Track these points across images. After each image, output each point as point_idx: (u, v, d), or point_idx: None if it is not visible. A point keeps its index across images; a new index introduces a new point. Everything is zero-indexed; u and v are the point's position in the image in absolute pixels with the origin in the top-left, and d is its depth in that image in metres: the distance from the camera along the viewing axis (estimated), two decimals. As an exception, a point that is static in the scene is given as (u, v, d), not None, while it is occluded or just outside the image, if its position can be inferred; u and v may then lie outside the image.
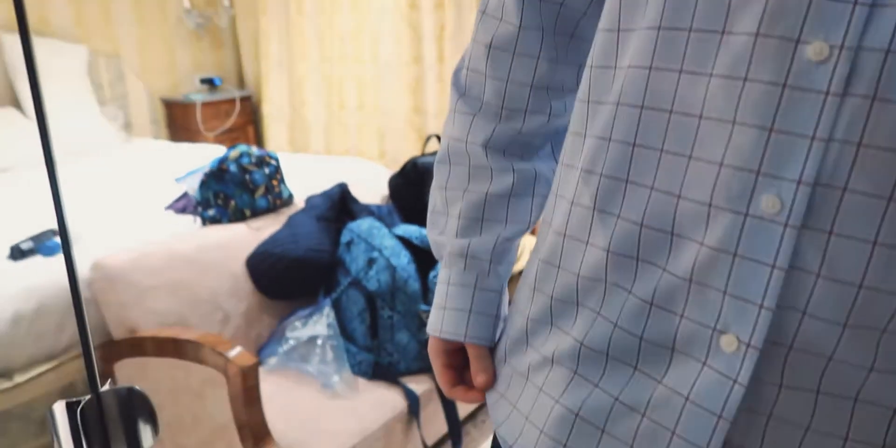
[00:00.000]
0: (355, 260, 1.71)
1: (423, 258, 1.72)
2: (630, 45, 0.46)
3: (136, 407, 0.42)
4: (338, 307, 1.71)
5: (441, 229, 0.66)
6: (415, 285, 1.64)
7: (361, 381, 1.62)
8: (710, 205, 0.41)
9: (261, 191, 1.86)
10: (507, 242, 0.64)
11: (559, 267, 0.52)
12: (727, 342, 0.41)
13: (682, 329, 0.44)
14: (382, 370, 1.64)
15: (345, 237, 1.79)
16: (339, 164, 2.54)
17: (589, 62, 0.51)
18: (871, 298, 0.38)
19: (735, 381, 0.41)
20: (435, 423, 1.69)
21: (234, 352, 1.36)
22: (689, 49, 0.42)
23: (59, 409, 0.40)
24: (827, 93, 0.37)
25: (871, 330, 0.38)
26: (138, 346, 1.46)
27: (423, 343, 1.64)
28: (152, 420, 0.43)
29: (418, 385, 1.63)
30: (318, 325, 1.67)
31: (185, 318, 1.56)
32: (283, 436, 1.39)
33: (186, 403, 1.44)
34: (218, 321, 1.63)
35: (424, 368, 1.67)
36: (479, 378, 0.62)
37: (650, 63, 0.44)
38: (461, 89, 0.65)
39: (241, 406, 1.34)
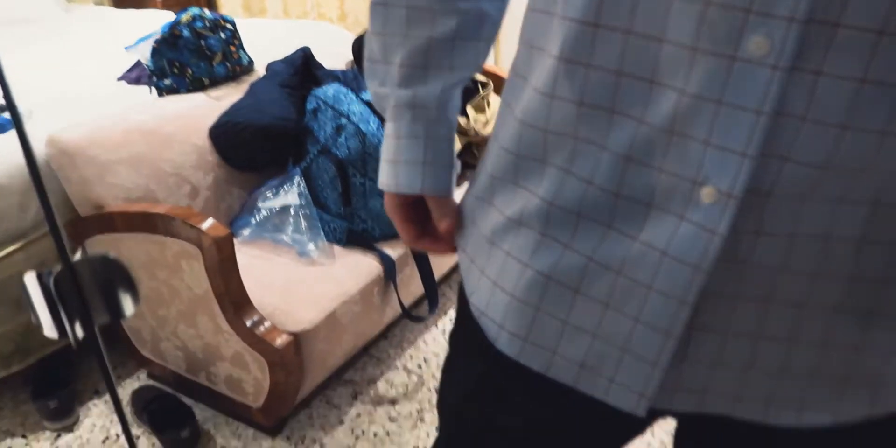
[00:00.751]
0: (323, 127, 1.66)
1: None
2: None
3: (113, 275, 0.40)
4: (308, 176, 1.68)
5: (381, 80, 0.62)
6: (386, 152, 1.61)
7: (337, 248, 1.63)
8: (693, 48, 0.38)
9: (218, 58, 1.75)
10: (454, 89, 0.61)
11: (527, 123, 0.49)
12: (707, 194, 0.40)
13: (660, 183, 0.42)
14: (357, 236, 1.65)
15: (310, 104, 1.72)
16: (299, 28, 2.39)
17: None
18: (854, 139, 0.37)
19: (714, 233, 0.41)
20: (411, 286, 1.74)
21: (207, 223, 1.34)
22: None
23: (31, 280, 0.39)
24: None
25: (851, 170, 0.38)
26: (107, 222, 1.44)
27: (397, 210, 1.65)
28: (131, 287, 0.41)
29: (393, 250, 1.65)
30: (290, 194, 1.65)
31: (152, 192, 1.52)
32: (262, 304, 1.42)
33: (163, 277, 1.45)
34: (186, 195, 1.60)
35: (398, 234, 1.68)
36: (442, 224, 0.62)
37: None
38: None
39: (218, 277, 1.34)
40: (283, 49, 1.96)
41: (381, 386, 1.66)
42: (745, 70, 0.37)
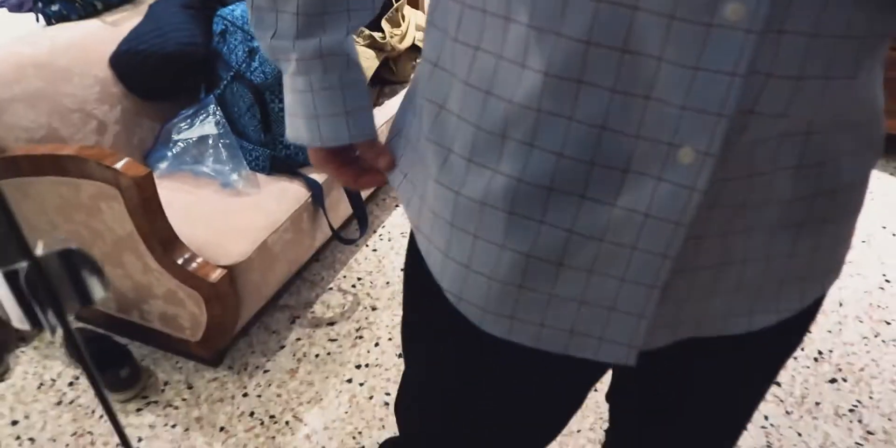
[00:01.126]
0: (233, 51, 1.58)
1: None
2: None
3: (78, 264, 0.41)
4: (223, 103, 1.62)
5: (272, 30, 0.59)
6: (302, 76, 1.55)
7: (261, 177, 1.61)
8: (671, 16, 0.38)
9: (107, -23, 1.61)
10: (355, 31, 0.59)
11: (487, 92, 0.47)
12: (685, 154, 0.42)
13: (637, 148, 0.43)
14: (280, 163, 1.63)
15: (217, 26, 1.63)
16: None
17: None
18: (807, 87, 0.41)
19: (693, 189, 0.43)
20: (339, 208, 1.74)
21: (122, 163, 1.29)
22: None
23: None
24: None
25: (801, 114, 0.43)
26: (13, 166, 1.35)
27: (319, 135, 1.62)
28: (98, 273, 0.42)
29: (319, 174, 1.64)
30: (206, 124, 1.59)
31: (56, 131, 1.43)
32: (191, 239, 1.40)
33: (80, 219, 1.40)
34: (93, 131, 1.52)
35: (323, 159, 1.67)
36: (381, 162, 0.61)
37: None
38: None
39: (142, 218, 1.31)
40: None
41: (318, 308, 1.70)
42: (721, 35, 0.38)
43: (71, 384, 1.51)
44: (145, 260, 1.39)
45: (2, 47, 1.40)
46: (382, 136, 1.79)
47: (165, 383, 1.51)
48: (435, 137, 0.53)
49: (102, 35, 1.57)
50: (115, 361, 1.48)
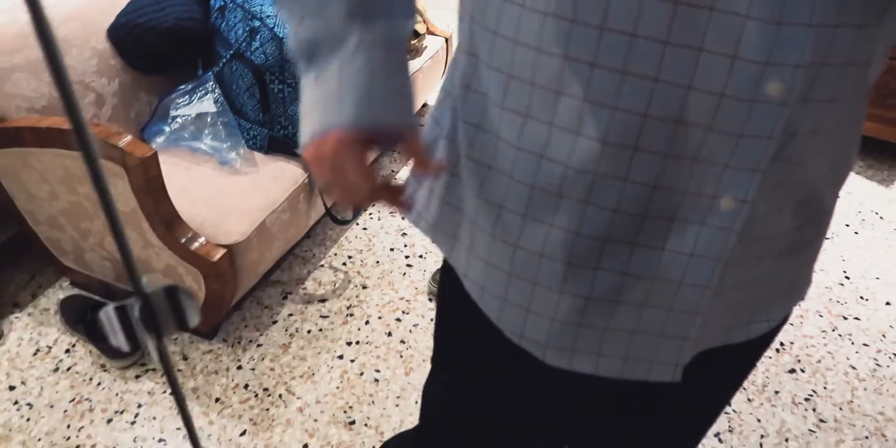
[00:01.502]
0: (233, 29, 1.59)
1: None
2: None
3: (179, 297, 0.46)
4: (221, 81, 1.62)
5: (314, 11, 0.56)
6: (303, 57, 1.57)
7: (258, 156, 1.63)
8: (721, 94, 0.45)
9: (105, -56, 1.58)
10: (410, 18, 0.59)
11: (541, 155, 0.52)
12: (725, 203, 0.49)
13: (684, 201, 0.50)
14: (278, 143, 1.65)
15: (216, 1, 1.63)
16: None
17: None
18: (825, 139, 0.50)
19: (732, 230, 0.50)
20: (333, 189, 1.78)
21: (127, 141, 1.31)
22: None
23: (110, 313, 0.43)
24: None
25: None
26: (15, 136, 1.36)
27: (317, 115, 1.64)
28: (192, 304, 0.47)
29: (316, 156, 1.67)
30: (205, 101, 1.60)
31: (56, 101, 1.43)
32: (191, 216, 1.43)
33: (84, 192, 1.42)
34: (91, 104, 1.52)
35: (319, 139, 1.69)
36: (429, 166, 0.58)
37: None
38: None
39: (146, 197, 1.34)
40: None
41: (310, 285, 1.75)
42: (762, 108, 0.45)
43: (67, 351, 1.54)
44: (146, 236, 1.42)
45: (3, 13, 1.39)
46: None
47: (160, 354, 1.55)
48: (485, 195, 0.57)
49: (101, 5, 1.56)
50: (111, 332, 1.51)
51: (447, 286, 0.70)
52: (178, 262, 1.43)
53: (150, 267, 1.49)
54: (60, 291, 1.68)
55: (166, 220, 1.37)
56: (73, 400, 1.44)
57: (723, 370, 0.71)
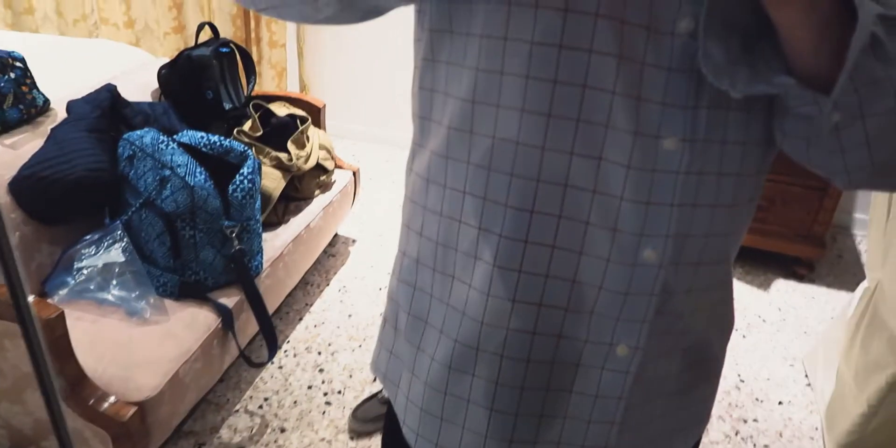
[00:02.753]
0: (142, 177, 1.61)
1: (216, 169, 1.67)
2: None
3: None
4: (130, 229, 1.62)
5: None
6: (215, 202, 1.59)
7: (168, 303, 1.60)
8: (608, 260, 0.55)
9: (9, 101, 1.60)
10: None
11: (463, 313, 0.61)
12: (621, 350, 0.59)
13: (585, 349, 0.59)
14: (189, 288, 1.63)
15: (124, 151, 1.65)
16: (88, 49, 2.20)
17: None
18: (699, 296, 0.60)
19: (628, 372, 0.59)
20: (247, 329, 1.76)
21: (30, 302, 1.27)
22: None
23: None
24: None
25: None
26: None
27: (228, 257, 1.65)
28: None
29: (228, 298, 1.66)
30: (112, 251, 1.58)
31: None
32: (98, 375, 1.37)
33: (-22, 356, 1.34)
34: (-9, 259, 1.47)
35: (231, 281, 1.69)
36: None
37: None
38: None
39: (51, 358, 1.28)
40: (77, 78, 1.83)
41: (225, 433, 1.69)
42: (643, 270, 0.55)
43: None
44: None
45: None
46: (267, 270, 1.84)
47: (60, 526, 1.43)
48: (421, 347, 0.66)
49: (1, 158, 1.55)
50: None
51: (389, 430, 0.74)
52: (83, 425, 1.35)
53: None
54: (-57, 463, 1.53)
55: (72, 381, 1.31)
56: None
57: None
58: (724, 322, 0.68)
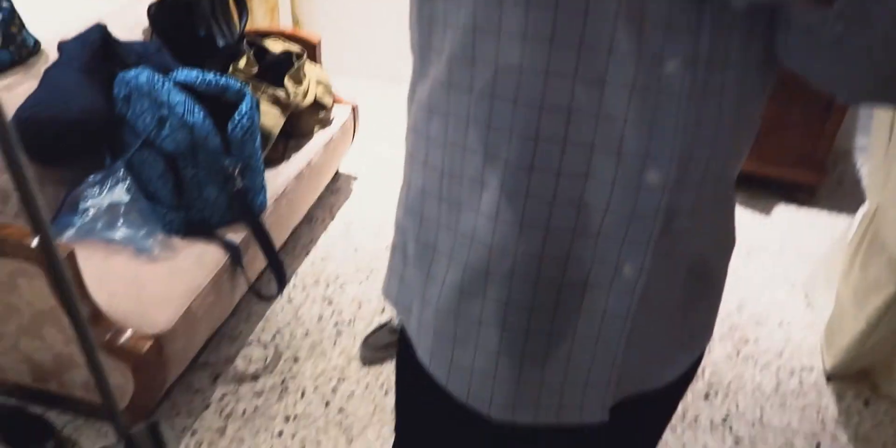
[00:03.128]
0: (140, 117, 1.60)
1: (214, 107, 1.66)
2: None
3: (161, 433, 0.50)
4: (132, 169, 1.63)
5: None
6: (215, 140, 1.60)
7: (176, 241, 1.63)
8: (613, 183, 0.56)
9: (-1, 42, 1.58)
10: None
11: (473, 239, 0.62)
12: (626, 270, 0.60)
13: (593, 270, 0.60)
14: (195, 226, 1.66)
15: (120, 91, 1.64)
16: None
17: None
18: (702, 218, 0.62)
19: (634, 292, 0.60)
20: (255, 264, 1.79)
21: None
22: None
23: None
24: None
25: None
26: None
27: (232, 195, 1.67)
28: (175, 434, 0.51)
29: (235, 235, 1.69)
30: (116, 191, 1.60)
31: (-41, 205, 1.40)
32: (114, 309, 1.41)
33: (-5, 296, 1.38)
34: (-3, 201, 1.49)
35: (236, 218, 1.71)
36: None
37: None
38: None
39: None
40: (67, 19, 1.80)
41: (240, 363, 1.75)
42: (647, 194, 0.56)
43: (-14, 464, 1.47)
44: (68, 332, 1.39)
45: None
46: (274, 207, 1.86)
47: (89, 453, 1.50)
48: (431, 273, 0.67)
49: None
50: (37, 435, 1.45)
51: (402, 357, 0.77)
52: (103, 357, 1.40)
53: (74, 362, 1.45)
54: (-28, 398, 1.60)
55: (88, 317, 1.35)
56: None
57: (648, 414, 0.80)
58: (726, 240, 0.70)
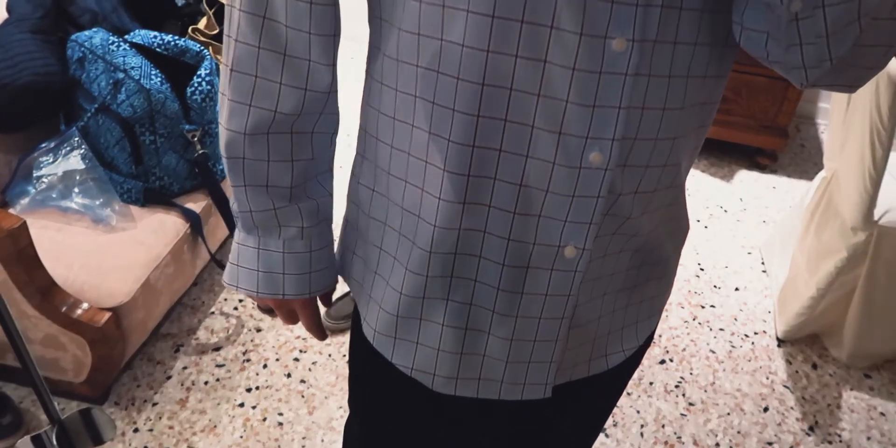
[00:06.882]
0: (95, 81, 1.55)
1: (172, 70, 1.61)
2: None
3: (94, 418, 0.49)
4: (87, 135, 1.58)
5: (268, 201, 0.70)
6: (174, 106, 1.56)
7: (134, 209, 1.60)
8: (552, 162, 0.55)
9: (-59, 2, 1.51)
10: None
11: (419, 216, 0.62)
12: (568, 251, 0.59)
13: (534, 251, 0.60)
14: (154, 194, 1.62)
15: (73, 53, 1.58)
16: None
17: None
18: (646, 199, 0.61)
19: (576, 272, 0.60)
20: (217, 233, 1.77)
21: (-9, 211, 1.26)
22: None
23: (26, 444, 0.46)
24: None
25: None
26: None
27: (192, 162, 1.64)
28: (110, 422, 0.50)
29: (195, 204, 1.66)
30: (71, 158, 1.55)
31: None
32: (69, 282, 1.39)
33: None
34: (-55, 170, 1.45)
35: (197, 186, 1.68)
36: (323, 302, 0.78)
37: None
38: None
39: (17, 268, 1.29)
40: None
41: (202, 334, 1.74)
42: (588, 173, 0.55)
43: (-57, 435, 1.45)
44: (21, 307, 1.36)
45: None
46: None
47: (50, 424, 1.50)
48: (383, 248, 0.68)
49: (-57, 66, 1.48)
50: (-7, 409, 1.44)
51: (354, 332, 0.77)
52: (59, 331, 1.39)
53: (27, 338, 1.43)
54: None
55: (42, 290, 1.33)
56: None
57: (594, 397, 0.82)
58: (676, 223, 0.70)
